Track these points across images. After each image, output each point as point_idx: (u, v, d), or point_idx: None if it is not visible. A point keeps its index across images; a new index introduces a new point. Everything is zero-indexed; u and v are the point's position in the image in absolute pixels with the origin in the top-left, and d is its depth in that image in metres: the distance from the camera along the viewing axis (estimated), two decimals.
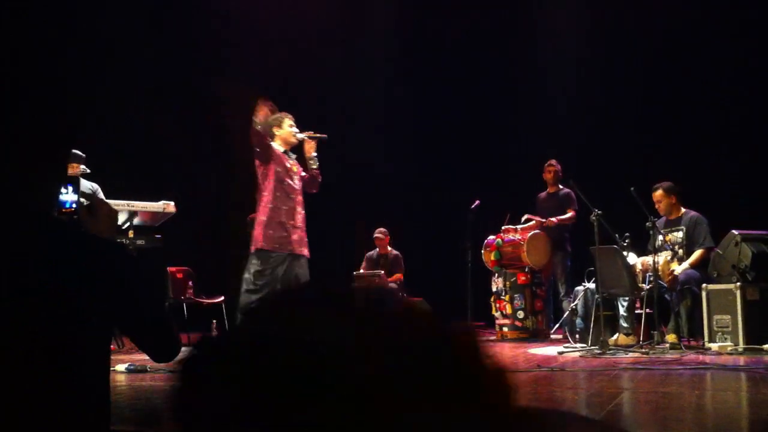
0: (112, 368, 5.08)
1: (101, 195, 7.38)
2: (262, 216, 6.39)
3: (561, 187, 9.16)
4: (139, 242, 7.27)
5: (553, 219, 8.90)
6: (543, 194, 9.37)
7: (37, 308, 1.67)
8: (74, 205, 2.00)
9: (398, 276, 10.45)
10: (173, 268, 9.01)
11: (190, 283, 9.05)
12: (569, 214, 8.96)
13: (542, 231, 9.07)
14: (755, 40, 9.84)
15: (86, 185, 7.24)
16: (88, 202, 1.97)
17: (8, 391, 1.65)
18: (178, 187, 9.38)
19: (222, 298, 9.23)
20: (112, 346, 6.11)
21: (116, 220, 2.01)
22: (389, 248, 10.62)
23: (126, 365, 5.50)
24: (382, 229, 10.61)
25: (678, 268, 7.20)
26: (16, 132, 1.76)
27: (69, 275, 1.70)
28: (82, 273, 1.71)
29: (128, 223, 7.27)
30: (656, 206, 7.57)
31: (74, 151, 7.38)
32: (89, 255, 1.76)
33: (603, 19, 11.06)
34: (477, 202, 9.71)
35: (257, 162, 6.33)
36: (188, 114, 11.79)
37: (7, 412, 1.65)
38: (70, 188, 2.01)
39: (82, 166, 7.48)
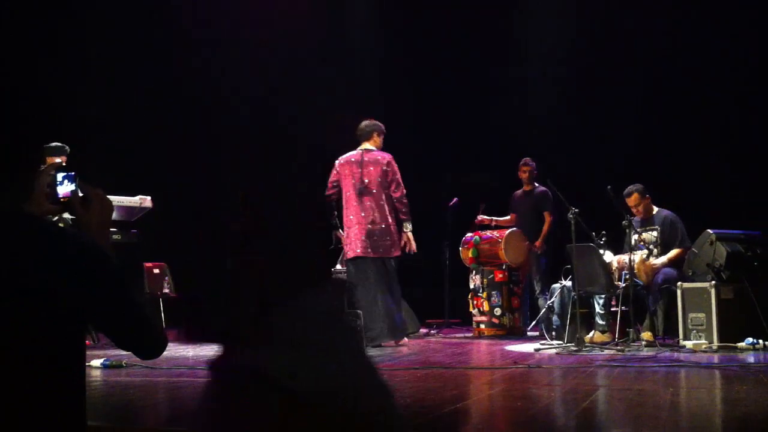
0: (87, 363, 5.06)
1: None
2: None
3: (537, 185, 9.20)
4: (115, 237, 7.22)
5: (537, 243, 8.98)
6: (519, 192, 9.40)
7: (6, 305, 1.66)
8: (69, 196, 2.00)
9: None
10: (149, 264, 8.96)
11: (166, 278, 9.00)
12: (546, 223, 9.04)
13: (519, 229, 9.12)
14: (733, 39, 9.92)
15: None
16: (83, 194, 1.97)
17: None
18: (154, 182, 9.32)
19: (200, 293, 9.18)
20: (87, 342, 6.08)
21: (110, 211, 2.01)
22: None
23: (101, 360, 5.46)
24: None
25: (657, 260, 7.28)
26: None
27: (38, 270, 1.69)
28: (52, 268, 1.70)
29: None
30: (633, 210, 7.59)
31: (58, 144, 7.38)
32: (60, 250, 1.75)
33: (584, 17, 11.11)
34: (455, 199, 9.73)
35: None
36: (166, 109, 11.74)
37: None
38: (66, 180, 2.02)
39: (58, 159, 7.44)
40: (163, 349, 1.94)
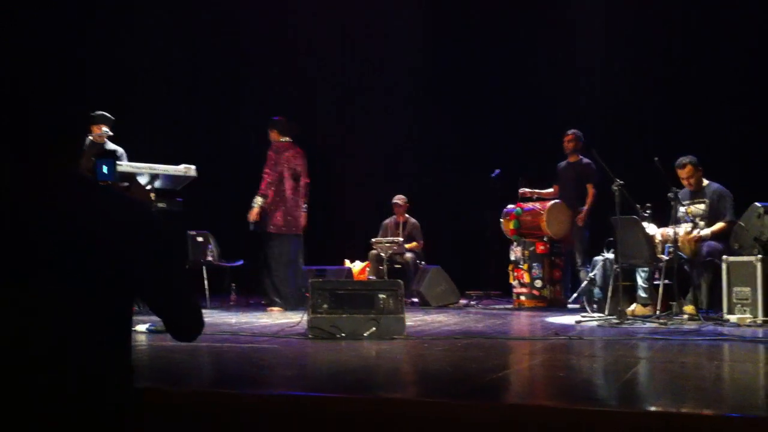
0: (133, 328, 5.15)
1: (126, 159, 7.48)
2: None
3: (582, 157, 9.11)
4: (161, 205, 7.32)
5: (580, 217, 8.90)
6: (563, 163, 9.32)
7: (68, 263, 1.70)
8: (110, 182, 2.07)
9: (417, 244, 10.42)
10: (193, 231, 9.08)
11: (210, 246, 9.11)
12: (590, 196, 8.94)
13: (562, 201, 9.05)
14: None
15: (112, 148, 7.32)
16: (127, 184, 2.04)
17: (41, 345, 1.68)
18: (199, 151, 9.41)
19: (242, 261, 9.29)
20: (133, 308, 6.19)
21: (148, 194, 2.11)
22: (407, 215, 10.59)
23: (147, 325, 5.56)
24: (401, 196, 10.57)
25: (703, 231, 7.18)
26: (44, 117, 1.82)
27: (104, 229, 1.74)
28: (117, 228, 1.76)
29: (150, 186, 7.32)
30: (684, 182, 7.47)
31: (102, 112, 7.48)
32: (127, 212, 1.80)
33: None
34: (497, 171, 9.69)
35: None
36: (211, 81, 11.82)
37: (36, 366, 1.68)
38: (106, 168, 2.07)
39: (105, 128, 7.55)
40: (199, 333, 1.99)
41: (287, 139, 8.44)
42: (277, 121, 8.49)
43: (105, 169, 2.07)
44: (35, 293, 1.68)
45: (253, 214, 8.25)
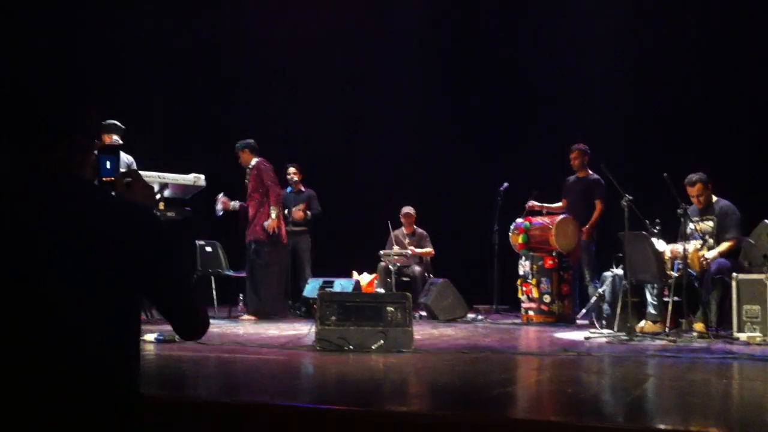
0: (141, 337, 5.16)
1: (135, 167, 7.50)
2: None
3: (590, 172, 9.09)
4: (170, 214, 7.34)
5: (584, 230, 8.89)
6: (572, 178, 9.31)
7: (69, 268, 1.70)
8: (113, 177, 2.06)
9: (429, 252, 10.40)
10: (203, 241, 9.08)
11: (219, 256, 9.12)
12: (597, 211, 8.93)
13: (571, 215, 9.03)
14: None
15: (123, 158, 7.36)
16: (128, 179, 2.03)
17: (42, 345, 1.68)
18: (208, 161, 9.43)
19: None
20: (141, 317, 6.21)
21: (153, 194, 2.08)
22: (415, 227, 10.58)
23: (155, 335, 5.57)
24: (410, 207, 10.57)
25: (708, 253, 7.14)
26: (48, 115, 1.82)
27: (103, 233, 1.74)
28: (115, 232, 1.76)
29: (159, 195, 7.36)
30: (694, 199, 7.41)
31: (113, 121, 7.51)
32: (125, 213, 1.80)
33: (639, 3, 10.94)
34: (506, 184, 9.68)
35: None
36: (220, 91, 11.86)
37: (36, 366, 1.68)
38: (109, 163, 2.07)
39: (115, 137, 7.58)
40: (203, 332, 1.98)
41: (258, 158, 9.02)
42: (248, 143, 9.04)
43: (108, 164, 2.07)
44: (35, 293, 1.68)
45: (273, 225, 8.75)
